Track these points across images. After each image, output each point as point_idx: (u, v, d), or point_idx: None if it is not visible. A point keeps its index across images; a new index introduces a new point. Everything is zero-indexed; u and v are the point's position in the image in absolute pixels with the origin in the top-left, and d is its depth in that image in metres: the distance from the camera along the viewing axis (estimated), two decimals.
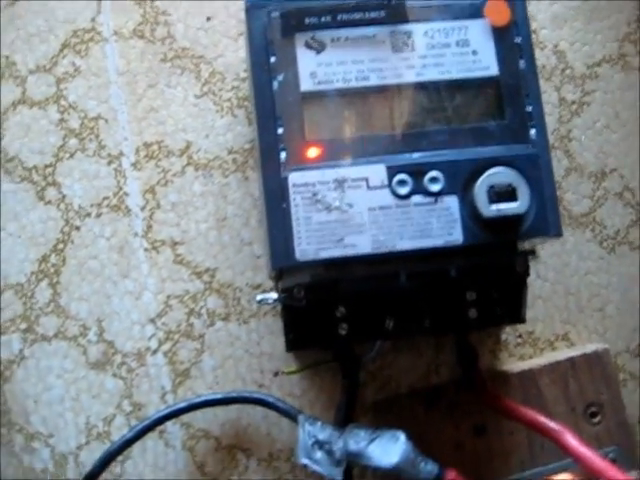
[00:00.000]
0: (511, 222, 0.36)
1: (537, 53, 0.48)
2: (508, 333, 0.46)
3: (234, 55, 0.47)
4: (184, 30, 0.47)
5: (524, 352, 0.46)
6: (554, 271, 0.47)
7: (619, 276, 0.47)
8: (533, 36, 0.46)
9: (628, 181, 0.48)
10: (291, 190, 0.36)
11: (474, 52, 0.38)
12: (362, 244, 0.35)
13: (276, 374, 0.44)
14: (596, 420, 0.44)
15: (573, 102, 0.48)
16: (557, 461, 0.43)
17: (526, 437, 0.43)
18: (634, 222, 0.47)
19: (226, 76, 0.47)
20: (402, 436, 0.38)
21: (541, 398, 0.44)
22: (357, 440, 0.38)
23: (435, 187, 0.36)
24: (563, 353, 0.45)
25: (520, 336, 0.46)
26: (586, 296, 0.47)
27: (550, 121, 0.48)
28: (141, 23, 0.47)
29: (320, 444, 0.39)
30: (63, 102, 0.46)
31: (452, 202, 0.36)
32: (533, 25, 0.48)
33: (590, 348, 0.45)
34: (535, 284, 0.46)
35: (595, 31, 0.49)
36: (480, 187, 0.36)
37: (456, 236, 0.36)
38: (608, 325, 0.47)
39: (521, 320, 0.41)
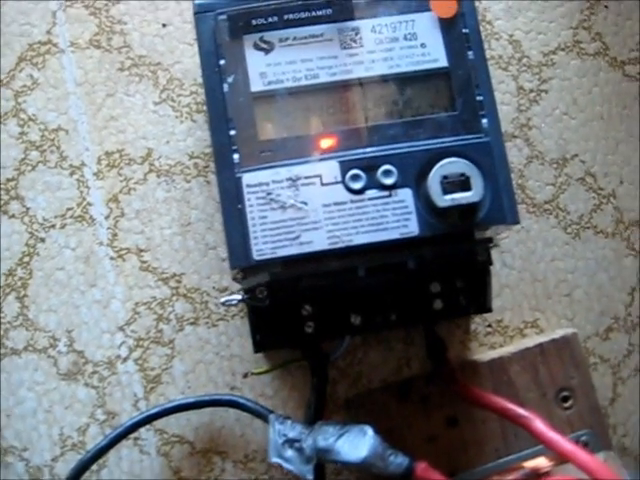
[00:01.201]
0: (466, 211, 0.36)
1: (493, 43, 0.49)
2: (477, 323, 0.46)
3: (191, 61, 0.47)
4: (140, 38, 0.47)
5: (494, 341, 0.46)
6: (520, 259, 0.47)
7: (585, 260, 0.47)
8: (488, 27, 0.47)
9: (589, 166, 0.48)
10: (245, 191, 0.36)
11: (422, 45, 0.38)
12: (318, 241, 0.36)
13: (245, 375, 0.44)
14: (567, 405, 0.44)
15: (531, 90, 0.48)
16: (531, 447, 0.43)
17: (499, 425, 0.43)
18: (597, 206, 0.48)
19: (184, 82, 0.47)
20: (370, 430, 0.38)
21: (512, 386, 0.44)
22: (326, 436, 0.38)
23: (389, 180, 0.36)
24: (532, 340, 0.46)
25: (489, 325, 0.46)
26: (553, 282, 0.47)
27: (509, 110, 0.48)
28: (97, 33, 0.47)
29: (290, 442, 0.39)
30: (22, 115, 0.47)
31: (406, 194, 0.36)
32: (487, 16, 0.49)
33: (558, 333, 0.45)
34: (502, 273, 0.46)
35: (549, 19, 0.49)
36: (433, 178, 0.36)
37: (412, 228, 0.36)
38: (576, 310, 0.47)
39: (487, 309, 0.41)
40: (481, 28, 0.46)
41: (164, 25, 0.48)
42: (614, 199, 0.48)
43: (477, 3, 0.48)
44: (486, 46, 0.48)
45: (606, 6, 0.49)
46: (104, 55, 0.47)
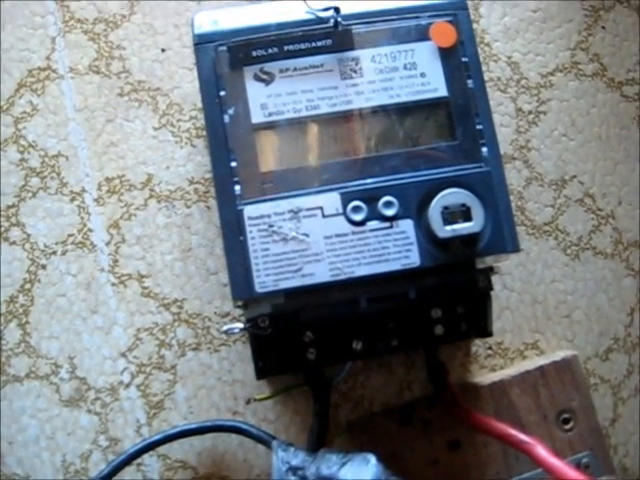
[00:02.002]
0: (467, 241, 0.36)
1: (491, 65, 0.49)
2: (478, 345, 0.46)
3: (190, 85, 0.47)
4: (139, 63, 0.47)
5: (495, 363, 0.46)
6: (520, 281, 0.47)
7: (584, 282, 0.47)
8: (486, 49, 0.47)
9: (588, 187, 0.48)
10: (247, 223, 0.36)
11: (422, 74, 0.38)
12: (320, 273, 0.36)
13: (248, 402, 0.44)
14: (568, 426, 0.44)
15: (530, 112, 0.49)
16: (533, 470, 0.43)
17: (500, 449, 0.44)
18: (596, 227, 0.48)
19: (183, 107, 0.47)
20: (372, 458, 0.38)
21: (513, 409, 0.44)
22: (329, 465, 0.38)
23: (390, 212, 0.36)
24: (532, 362, 0.46)
25: (490, 348, 0.46)
26: (553, 304, 0.47)
27: (508, 132, 0.48)
28: (96, 58, 0.47)
29: (294, 470, 0.39)
30: (22, 142, 0.47)
31: (407, 226, 0.36)
32: (486, 38, 0.49)
33: (559, 355, 0.45)
34: (502, 295, 0.47)
35: (547, 41, 0.49)
36: (434, 209, 0.36)
37: (413, 259, 0.36)
38: (576, 331, 0.47)
39: (488, 334, 0.41)
40: (479, 50, 0.46)
41: (163, 50, 0.48)
42: (613, 220, 0.48)
43: (475, 25, 0.49)
44: (485, 68, 0.48)
45: (603, 27, 0.50)
46: (103, 80, 0.47)
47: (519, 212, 0.47)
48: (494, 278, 0.41)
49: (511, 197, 0.46)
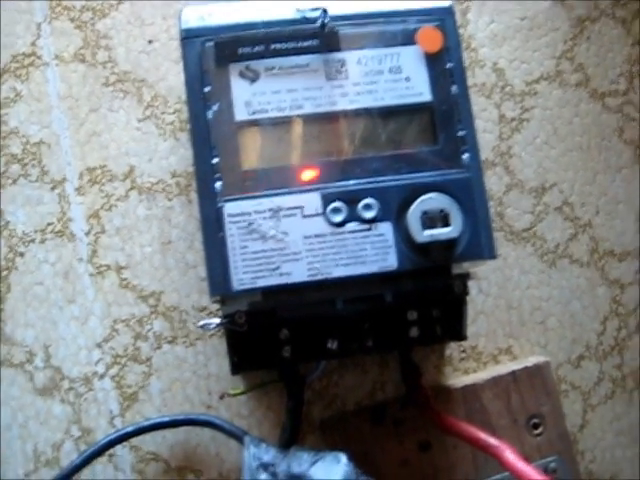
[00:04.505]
0: (445, 247, 0.37)
1: (477, 71, 0.49)
2: (452, 348, 0.47)
3: (176, 78, 0.47)
4: (125, 53, 0.47)
5: (468, 366, 0.47)
6: (496, 286, 0.48)
7: (560, 289, 0.48)
8: (472, 55, 0.48)
9: (567, 196, 0.49)
10: (226, 220, 0.36)
11: (407, 78, 0.38)
12: (298, 272, 0.36)
13: (222, 397, 0.45)
14: (538, 431, 0.45)
15: (513, 119, 0.49)
16: (501, 472, 0.44)
17: (470, 451, 0.44)
18: (573, 236, 0.48)
19: (168, 99, 0.47)
20: (343, 458, 0.38)
21: (484, 412, 0.45)
22: (300, 462, 0.38)
23: (369, 214, 0.37)
24: (505, 367, 0.46)
25: (464, 351, 0.47)
26: (528, 310, 0.48)
27: (491, 138, 0.49)
28: (82, 47, 0.47)
29: (264, 466, 0.39)
30: (4, 127, 0.46)
31: (386, 228, 0.37)
32: (472, 44, 0.49)
33: (531, 361, 0.46)
34: (478, 299, 0.47)
35: (533, 49, 0.50)
36: (413, 213, 0.36)
37: (390, 262, 0.36)
38: (550, 337, 0.48)
39: (462, 338, 0.42)
40: (465, 55, 0.47)
41: (150, 41, 0.47)
42: (590, 229, 0.49)
43: (462, 30, 0.49)
44: (470, 74, 0.48)
45: (589, 37, 0.50)
46: (89, 69, 0.47)
47: (498, 218, 0.48)
48: (470, 282, 0.42)
49: (491, 203, 0.47)
